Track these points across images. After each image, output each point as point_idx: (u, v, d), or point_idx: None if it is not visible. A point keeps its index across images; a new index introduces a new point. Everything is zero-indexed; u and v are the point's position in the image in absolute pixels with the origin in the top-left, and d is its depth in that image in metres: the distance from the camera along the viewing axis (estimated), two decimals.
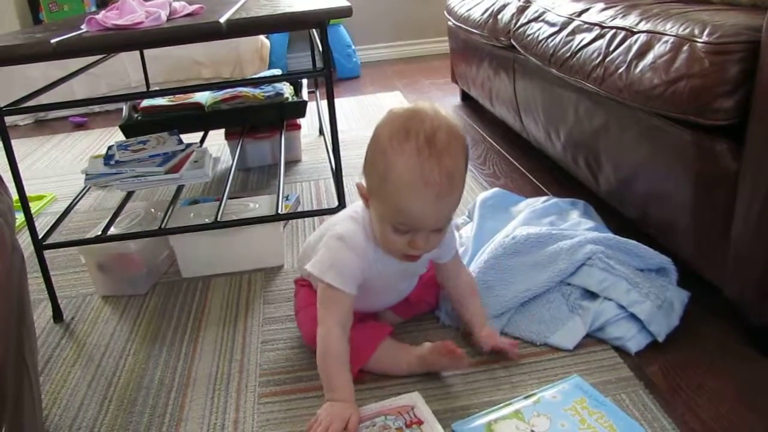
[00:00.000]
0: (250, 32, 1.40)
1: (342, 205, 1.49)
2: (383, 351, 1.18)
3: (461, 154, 1.00)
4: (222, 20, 1.30)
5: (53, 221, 1.56)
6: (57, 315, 1.51)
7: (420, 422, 1.04)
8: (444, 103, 3.23)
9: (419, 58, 4.51)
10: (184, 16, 1.50)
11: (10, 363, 0.77)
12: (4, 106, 1.37)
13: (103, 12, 1.41)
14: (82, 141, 3.13)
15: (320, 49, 1.48)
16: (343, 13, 1.34)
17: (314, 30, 2.22)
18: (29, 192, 1.52)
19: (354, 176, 2.23)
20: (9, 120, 1.37)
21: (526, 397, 1.06)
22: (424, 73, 4.00)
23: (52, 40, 1.27)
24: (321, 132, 2.72)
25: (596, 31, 1.51)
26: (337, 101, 1.41)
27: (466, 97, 3.14)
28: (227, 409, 1.16)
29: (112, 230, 1.55)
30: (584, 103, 1.62)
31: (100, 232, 1.52)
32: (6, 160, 1.38)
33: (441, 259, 1.24)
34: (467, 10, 2.62)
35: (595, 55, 1.48)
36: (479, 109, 2.97)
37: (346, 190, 1.52)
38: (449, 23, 3.00)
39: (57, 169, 2.71)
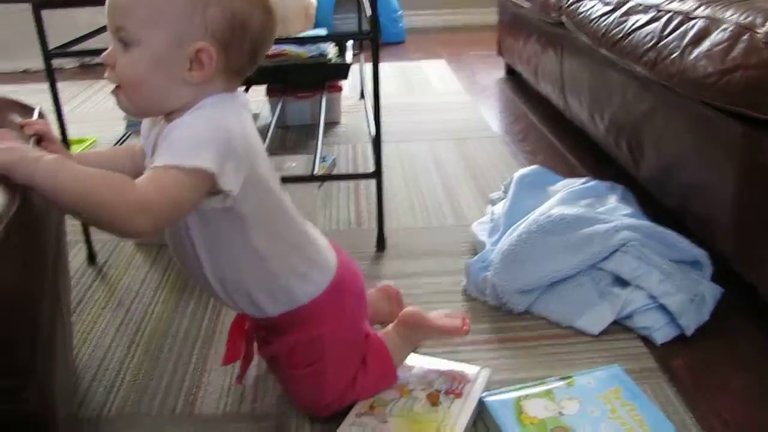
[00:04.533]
0: None
1: (379, 171, 1.48)
2: (393, 353, 1.10)
3: None
4: None
5: None
6: (91, 258, 1.54)
7: (459, 395, 1.04)
8: (488, 76, 3.20)
9: (466, 28, 4.45)
10: None
11: (46, 301, 0.79)
12: (52, 49, 1.38)
13: None
14: None
15: (367, 11, 1.47)
16: None
17: None
18: (71, 135, 1.53)
19: (393, 142, 2.22)
20: (55, 63, 1.39)
21: (561, 379, 1.05)
22: (470, 44, 3.95)
23: None
24: (362, 95, 2.71)
25: (652, 14, 1.48)
26: (381, 66, 1.40)
27: (511, 71, 3.10)
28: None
29: None
30: (632, 86, 1.58)
31: None
32: (52, 101, 1.40)
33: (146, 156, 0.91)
34: None
35: (649, 38, 1.44)
36: (523, 85, 2.93)
37: (384, 156, 1.51)
38: None
39: (99, 113, 2.74)
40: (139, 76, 0.84)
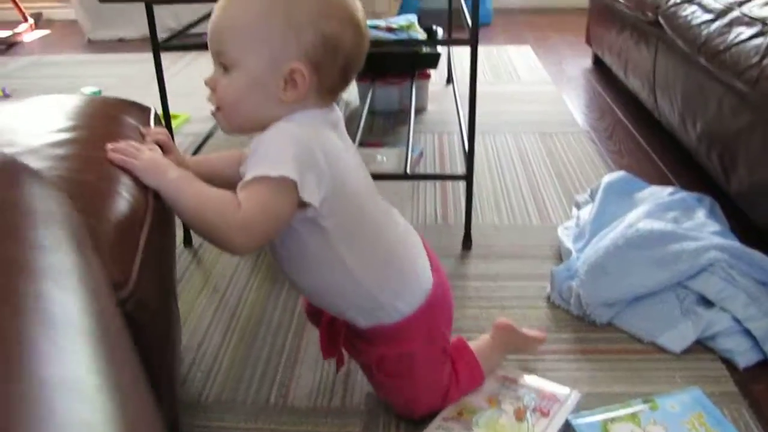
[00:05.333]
0: None
1: (470, 173, 1.51)
2: (482, 361, 1.13)
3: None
4: None
5: (188, 142, 1.63)
6: (187, 240, 1.62)
7: (546, 414, 1.06)
8: (575, 64, 3.16)
9: (552, 11, 4.37)
10: None
11: (172, 297, 0.84)
12: (162, 41, 1.45)
13: None
14: None
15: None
16: None
17: None
18: None
19: (477, 133, 2.22)
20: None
21: (644, 401, 1.07)
22: (557, 28, 3.89)
23: None
24: (449, 81, 2.72)
25: (757, 28, 1.45)
26: (465, 50, 1.41)
27: (598, 61, 3.05)
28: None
29: None
30: (730, 99, 1.56)
31: None
32: (158, 92, 1.47)
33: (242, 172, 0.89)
34: None
35: (752, 53, 1.42)
36: (611, 78, 2.88)
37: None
38: None
39: (192, 87, 2.80)
40: (238, 96, 0.90)
